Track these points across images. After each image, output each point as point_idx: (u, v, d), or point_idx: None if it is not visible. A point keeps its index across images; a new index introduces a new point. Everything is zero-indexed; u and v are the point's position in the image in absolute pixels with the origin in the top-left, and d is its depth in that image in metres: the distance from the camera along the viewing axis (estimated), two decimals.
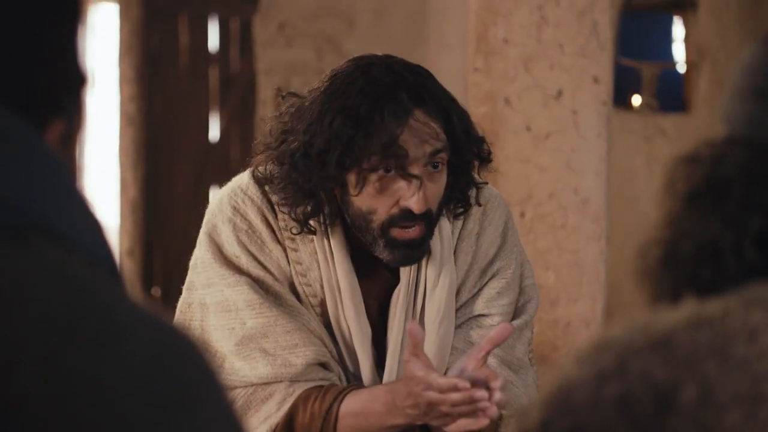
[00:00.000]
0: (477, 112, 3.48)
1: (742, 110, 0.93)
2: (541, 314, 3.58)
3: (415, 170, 1.98)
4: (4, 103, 0.83)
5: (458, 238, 2.16)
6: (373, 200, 1.99)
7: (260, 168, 2.09)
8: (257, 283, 2.06)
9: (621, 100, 6.47)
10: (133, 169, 7.06)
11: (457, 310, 2.15)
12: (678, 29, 6.89)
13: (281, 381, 2.04)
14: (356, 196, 2.00)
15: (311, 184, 2.00)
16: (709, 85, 6.47)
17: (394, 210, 1.99)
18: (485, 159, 2.09)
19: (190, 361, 0.81)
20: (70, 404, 0.75)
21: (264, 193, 2.09)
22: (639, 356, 0.82)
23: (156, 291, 6.93)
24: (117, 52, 7.01)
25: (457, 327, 2.15)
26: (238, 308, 2.05)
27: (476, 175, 2.13)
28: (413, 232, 2.00)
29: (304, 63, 6.44)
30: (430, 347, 2.08)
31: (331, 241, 2.08)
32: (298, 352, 2.04)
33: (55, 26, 0.87)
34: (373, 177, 1.98)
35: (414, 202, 1.97)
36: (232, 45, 7.19)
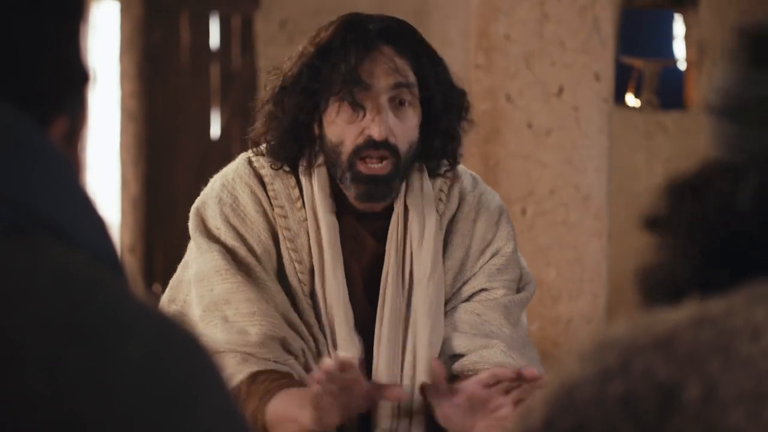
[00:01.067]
0: (478, 108, 3.48)
1: (723, 133, 0.94)
2: (542, 311, 3.59)
3: (374, 101, 2.05)
4: (8, 101, 0.83)
5: (454, 219, 2.21)
6: (340, 131, 2.08)
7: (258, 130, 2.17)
8: (230, 253, 2.12)
9: (622, 97, 6.48)
10: (134, 166, 7.06)
11: (460, 288, 2.20)
12: (679, 27, 6.88)
13: (235, 351, 2.07)
14: (327, 125, 2.08)
15: (288, 114, 2.09)
16: (709, 82, 6.47)
17: (359, 140, 2.06)
18: (463, 109, 2.15)
19: (192, 358, 0.81)
20: (72, 401, 0.75)
21: (253, 170, 2.17)
22: (642, 355, 0.82)
23: (157, 288, 6.93)
24: (118, 49, 7.00)
25: (462, 301, 2.19)
26: (209, 276, 2.11)
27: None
28: (378, 168, 2.07)
29: None
30: (421, 305, 2.13)
31: (316, 194, 2.13)
32: (255, 321, 2.07)
33: (58, 23, 0.87)
34: (336, 105, 2.06)
35: (375, 130, 2.04)
36: (233, 42, 7.18)
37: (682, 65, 6.85)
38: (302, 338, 2.12)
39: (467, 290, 2.19)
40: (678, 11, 6.79)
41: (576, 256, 3.56)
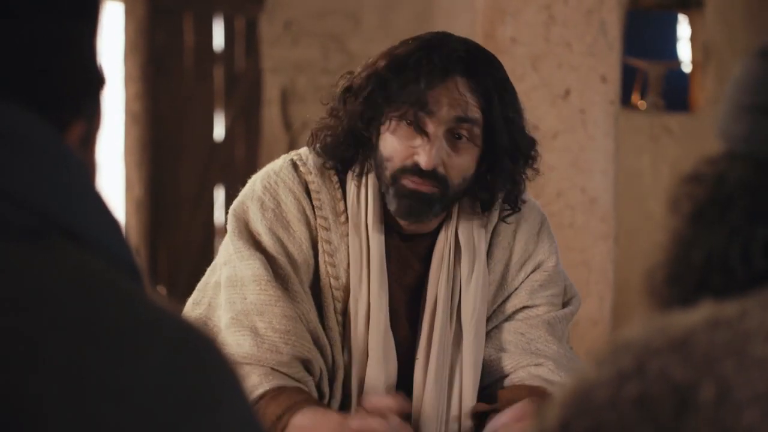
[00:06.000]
0: None
1: (740, 127, 0.94)
2: None
3: (432, 128, 2.01)
4: (27, 105, 0.83)
5: (495, 232, 2.17)
6: (392, 148, 2.04)
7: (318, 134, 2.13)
8: (270, 261, 2.07)
9: (627, 99, 6.47)
10: (138, 168, 7.06)
11: (502, 304, 2.17)
12: (684, 28, 6.88)
13: (263, 365, 2.01)
14: (382, 137, 2.05)
15: (348, 117, 2.06)
16: (715, 84, 6.46)
17: (408, 162, 2.03)
18: (530, 157, 2.10)
19: (211, 362, 0.82)
20: (89, 404, 0.75)
21: (298, 175, 2.12)
22: (657, 356, 0.82)
23: (161, 289, 6.94)
24: (122, 51, 7.01)
25: (505, 320, 2.16)
26: (243, 283, 2.06)
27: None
28: (422, 185, 2.02)
29: (310, 62, 6.44)
30: (468, 347, 2.10)
31: (369, 211, 2.10)
32: (288, 340, 2.03)
33: (76, 28, 0.87)
34: (395, 123, 2.03)
35: (423, 159, 2.01)
36: (237, 44, 7.18)
37: (686, 67, 6.84)
38: (323, 356, 2.08)
39: (509, 308, 2.17)
40: (683, 13, 6.78)
41: (582, 258, 3.56)
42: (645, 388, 0.81)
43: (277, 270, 2.07)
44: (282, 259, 2.07)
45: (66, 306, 0.78)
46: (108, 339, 0.77)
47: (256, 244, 2.08)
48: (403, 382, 2.11)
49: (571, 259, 3.56)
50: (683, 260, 0.93)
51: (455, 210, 2.13)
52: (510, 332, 2.15)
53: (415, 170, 2.02)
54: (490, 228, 2.17)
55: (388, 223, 2.11)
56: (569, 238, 3.56)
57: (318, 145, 2.11)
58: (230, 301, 2.07)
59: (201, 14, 7.24)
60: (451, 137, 2.02)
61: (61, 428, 0.74)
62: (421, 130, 2.01)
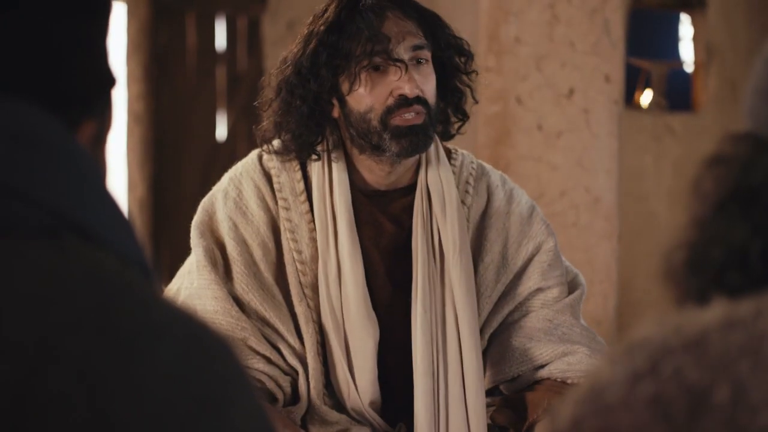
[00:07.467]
0: (488, 111, 3.49)
1: (767, 111, 0.93)
2: None
3: (399, 61, 2.08)
4: (39, 103, 0.83)
5: (486, 214, 2.24)
6: (368, 98, 2.10)
7: (267, 132, 2.21)
8: (219, 247, 2.18)
9: (629, 99, 6.46)
10: (140, 168, 7.07)
11: (513, 287, 2.22)
12: (686, 28, 6.87)
13: None
14: (351, 97, 2.11)
15: (309, 100, 2.12)
16: (717, 84, 6.46)
17: (390, 101, 2.09)
18: (467, 55, 2.19)
19: (223, 361, 0.82)
20: (103, 402, 0.75)
21: (261, 165, 2.23)
22: (672, 356, 0.82)
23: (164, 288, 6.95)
24: (125, 51, 7.01)
25: (525, 306, 2.22)
26: (192, 270, 2.19)
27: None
28: (414, 118, 2.09)
29: None
30: (458, 281, 2.15)
31: (334, 176, 2.17)
32: (215, 320, 2.12)
33: (88, 26, 0.87)
34: (363, 74, 2.09)
35: (406, 87, 2.08)
36: (239, 44, 7.18)
37: (689, 67, 6.83)
38: (279, 335, 2.15)
39: (523, 290, 2.22)
40: (686, 13, 6.78)
41: (586, 257, 3.56)
42: (659, 389, 0.80)
43: (225, 254, 2.18)
44: (231, 243, 2.17)
45: (81, 305, 0.78)
46: (121, 337, 0.77)
47: (209, 232, 2.20)
48: (397, 343, 2.16)
49: (575, 259, 3.57)
50: (702, 254, 0.92)
51: (423, 164, 2.20)
52: (538, 320, 2.20)
53: (402, 103, 2.09)
54: (478, 209, 2.23)
55: (357, 192, 2.18)
56: (573, 237, 3.56)
57: (276, 144, 2.19)
58: (184, 287, 2.20)
59: (204, 14, 7.24)
60: (415, 65, 2.10)
61: (75, 427, 0.74)
62: (391, 63, 2.08)
